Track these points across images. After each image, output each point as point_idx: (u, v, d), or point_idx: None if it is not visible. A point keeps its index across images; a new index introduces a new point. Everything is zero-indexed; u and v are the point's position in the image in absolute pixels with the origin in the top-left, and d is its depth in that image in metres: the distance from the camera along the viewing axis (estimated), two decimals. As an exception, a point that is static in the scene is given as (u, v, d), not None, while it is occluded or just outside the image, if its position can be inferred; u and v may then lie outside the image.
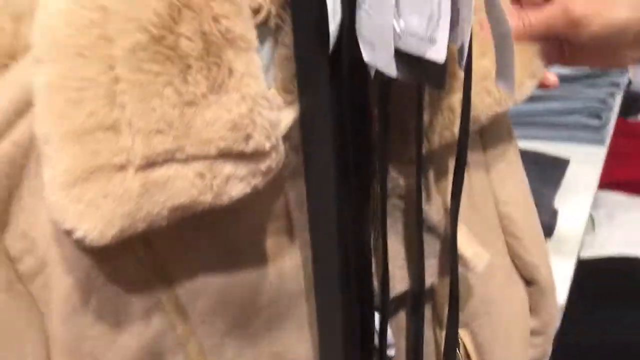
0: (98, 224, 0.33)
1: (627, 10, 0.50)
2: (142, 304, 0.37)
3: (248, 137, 0.33)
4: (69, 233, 0.33)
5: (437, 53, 0.31)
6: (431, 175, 0.47)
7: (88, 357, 0.37)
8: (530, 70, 0.47)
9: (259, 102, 0.33)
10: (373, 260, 0.44)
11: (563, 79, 1.23)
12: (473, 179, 0.50)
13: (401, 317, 0.51)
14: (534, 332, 0.59)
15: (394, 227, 0.46)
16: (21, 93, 0.34)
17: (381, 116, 0.38)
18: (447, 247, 0.47)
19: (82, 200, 0.32)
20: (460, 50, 0.35)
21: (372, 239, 0.44)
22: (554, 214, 1.06)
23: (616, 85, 1.26)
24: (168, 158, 0.33)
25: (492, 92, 0.44)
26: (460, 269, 0.47)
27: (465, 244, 0.48)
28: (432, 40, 0.31)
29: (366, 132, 0.39)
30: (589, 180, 1.19)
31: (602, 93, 1.25)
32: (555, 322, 0.60)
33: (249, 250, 0.40)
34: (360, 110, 0.37)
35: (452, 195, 0.44)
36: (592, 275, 1.29)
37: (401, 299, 0.49)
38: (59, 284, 0.36)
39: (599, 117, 1.26)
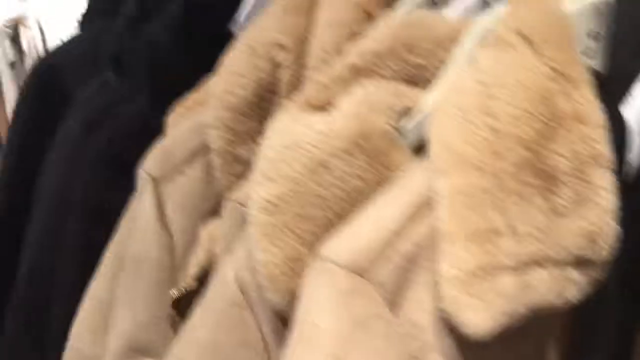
0: (486, 319, 0.36)
1: None
2: None
3: (600, 248, 0.37)
4: (457, 325, 0.37)
5: None
6: None
7: None
8: None
9: (612, 216, 0.38)
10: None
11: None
12: None
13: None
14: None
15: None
16: (421, 197, 0.40)
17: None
18: None
19: (475, 295, 0.36)
20: None
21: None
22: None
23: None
24: (534, 261, 0.37)
25: None
26: None
27: None
28: None
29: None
30: None
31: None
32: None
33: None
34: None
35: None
36: None
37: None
38: None
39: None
